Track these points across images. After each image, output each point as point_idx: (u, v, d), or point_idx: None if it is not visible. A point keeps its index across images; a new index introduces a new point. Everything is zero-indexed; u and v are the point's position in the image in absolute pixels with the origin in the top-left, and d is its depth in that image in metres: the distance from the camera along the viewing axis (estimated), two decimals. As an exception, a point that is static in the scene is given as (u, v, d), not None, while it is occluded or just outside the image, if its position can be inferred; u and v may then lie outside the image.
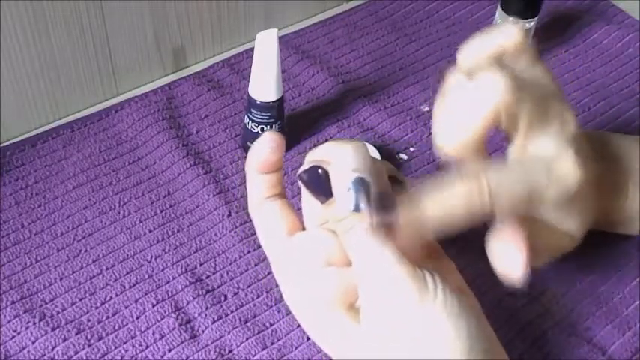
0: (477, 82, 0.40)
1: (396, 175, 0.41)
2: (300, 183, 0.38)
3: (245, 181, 0.57)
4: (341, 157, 0.37)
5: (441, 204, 0.37)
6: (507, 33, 0.42)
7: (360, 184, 0.36)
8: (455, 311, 0.36)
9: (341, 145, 0.38)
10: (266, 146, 0.39)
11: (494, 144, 0.57)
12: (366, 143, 0.59)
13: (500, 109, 0.39)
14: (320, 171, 0.37)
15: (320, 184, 0.37)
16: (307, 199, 0.40)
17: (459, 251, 0.53)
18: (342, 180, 0.36)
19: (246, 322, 0.49)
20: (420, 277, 0.36)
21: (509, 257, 0.41)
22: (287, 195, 0.42)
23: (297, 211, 0.41)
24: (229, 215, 0.55)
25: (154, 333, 0.48)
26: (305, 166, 0.38)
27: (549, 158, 0.41)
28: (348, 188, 0.36)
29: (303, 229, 0.41)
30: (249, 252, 0.53)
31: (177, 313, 0.49)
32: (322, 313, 0.39)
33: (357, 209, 0.36)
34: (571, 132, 0.42)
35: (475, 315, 0.38)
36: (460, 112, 0.40)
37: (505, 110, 0.39)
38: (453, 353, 0.36)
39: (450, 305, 0.36)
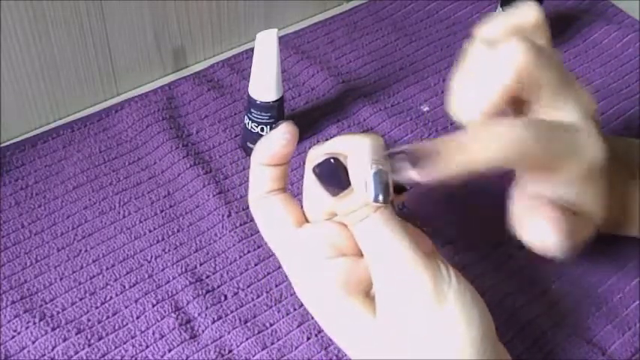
0: (499, 49, 0.39)
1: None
2: (313, 176, 0.38)
3: (245, 181, 0.57)
4: (360, 149, 0.37)
5: (490, 140, 0.37)
6: (526, 12, 0.42)
7: (381, 174, 0.36)
8: (468, 300, 0.37)
9: (359, 137, 0.38)
10: (281, 138, 0.39)
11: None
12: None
13: (523, 73, 0.39)
14: (333, 161, 0.37)
15: (334, 175, 0.37)
16: (311, 195, 0.40)
17: (459, 251, 0.54)
18: (363, 171, 0.37)
19: (246, 322, 0.49)
20: (434, 266, 0.37)
21: (543, 229, 0.41)
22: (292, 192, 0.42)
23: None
24: (229, 215, 0.55)
25: (153, 333, 0.48)
26: (319, 159, 0.38)
27: (576, 128, 0.41)
28: (369, 179, 0.36)
29: (307, 222, 0.41)
30: (249, 252, 0.53)
31: (177, 313, 0.49)
32: (336, 303, 0.39)
33: (376, 199, 0.36)
34: (592, 108, 0.42)
35: (484, 305, 0.38)
36: (481, 80, 0.40)
37: (527, 75, 0.39)
38: (466, 342, 0.36)
39: (462, 294, 0.37)
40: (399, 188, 0.39)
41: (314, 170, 0.38)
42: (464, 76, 0.41)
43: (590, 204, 0.44)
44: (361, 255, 0.39)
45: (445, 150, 0.36)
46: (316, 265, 0.39)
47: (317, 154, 0.39)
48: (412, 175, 0.36)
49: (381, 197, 0.36)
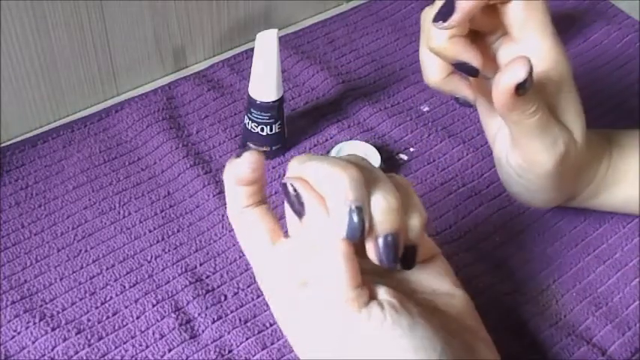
0: None
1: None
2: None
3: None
4: (336, 185, 0.36)
5: None
6: None
7: (357, 214, 0.35)
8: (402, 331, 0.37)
9: (335, 172, 0.36)
10: (246, 165, 0.38)
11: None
12: (366, 143, 0.59)
13: None
14: (291, 189, 0.37)
15: (293, 202, 0.37)
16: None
17: (458, 252, 0.54)
18: (336, 208, 0.36)
19: (246, 322, 0.49)
20: (362, 304, 0.37)
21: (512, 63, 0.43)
22: (281, 198, 0.42)
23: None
24: (229, 215, 0.55)
25: (153, 333, 0.48)
26: (285, 180, 0.37)
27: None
28: (344, 218, 0.35)
29: (286, 234, 0.40)
30: (249, 252, 0.53)
31: (177, 313, 0.49)
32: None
33: (353, 238, 0.36)
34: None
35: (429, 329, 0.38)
36: None
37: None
38: None
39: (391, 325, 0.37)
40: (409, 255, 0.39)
41: (281, 185, 0.38)
42: None
43: (567, 116, 0.47)
44: None
45: None
46: (288, 287, 0.39)
47: (294, 168, 0.38)
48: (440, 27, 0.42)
49: (352, 235, 0.36)
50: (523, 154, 0.47)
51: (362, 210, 0.36)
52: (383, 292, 0.38)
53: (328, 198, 0.36)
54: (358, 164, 0.38)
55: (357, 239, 0.36)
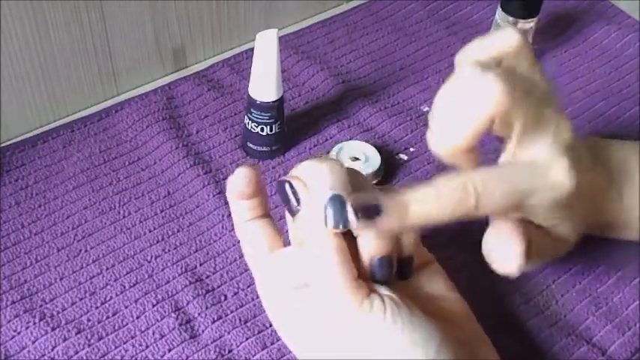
0: (473, 86, 0.40)
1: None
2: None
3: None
4: (317, 177, 0.38)
5: (426, 201, 0.38)
6: (507, 36, 0.42)
7: (337, 201, 0.37)
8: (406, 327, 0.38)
9: (316, 164, 0.38)
10: (241, 180, 0.40)
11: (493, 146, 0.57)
12: (366, 143, 0.59)
13: (495, 114, 0.39)
14: (287, 186, 0.38)
15: (287, 199, 0.39)
16: None
17: (455, 253, 0.54)
18: (319, 198, 0.37)
19: (246, 322, 0.49)
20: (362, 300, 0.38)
21: (504, 249, 0.42)
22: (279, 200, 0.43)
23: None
24: (229, 215, 0.55)
25: (153, 333, 0.48)
26: (281, 179, 0.39)
27: (543, 164, 0.41)
28: (325, 206, 0.37)
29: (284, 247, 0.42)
30: (249, 252, 0.53)
31: (177, 313, 0.49)
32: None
33: (336, 226, 0.37)
34: (566, 139, 0.42)
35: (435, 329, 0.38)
36: (454, 115, 0.41)
37: (499, 116, 0.39)
38: None
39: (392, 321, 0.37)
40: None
41: (276, 184, 0.40)
42: (439, 109, 0.42)
43: (561, 229, 0.44)
44: None
45: (388, 208, 0.37)
46: (287, 291, 0.40)
47: (292, 170, 0.40)
48: (355, 226, 0.37)
49: (338, 224, 0.37)
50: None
51: (342, 198, 0.37)
52: (382, 288, 0.38)
53: (313, 191, 0.38)
54: (352, 171, 0.40)
55: (341, 227, 0.37)
